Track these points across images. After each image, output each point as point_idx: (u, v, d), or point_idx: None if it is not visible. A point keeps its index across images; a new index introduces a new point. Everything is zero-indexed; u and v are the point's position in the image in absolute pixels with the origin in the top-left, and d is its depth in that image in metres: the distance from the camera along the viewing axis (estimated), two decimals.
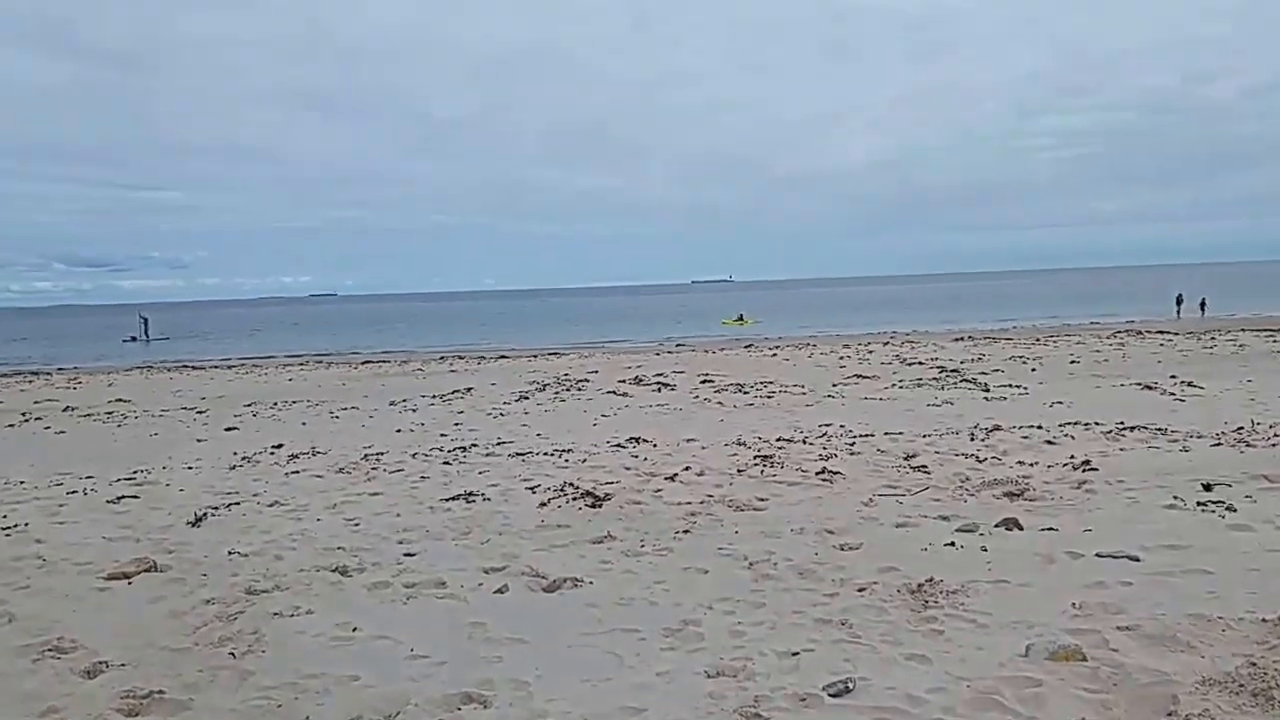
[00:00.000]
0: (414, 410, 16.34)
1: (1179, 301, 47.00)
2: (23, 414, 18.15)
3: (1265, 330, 27.80)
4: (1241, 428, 10.38)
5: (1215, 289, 48.55)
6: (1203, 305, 46.17)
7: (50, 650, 5.04)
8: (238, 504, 8.72)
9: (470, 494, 8.66)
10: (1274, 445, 9.30)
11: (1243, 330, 28.65)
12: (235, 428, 14.92)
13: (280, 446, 12.34)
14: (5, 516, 8.41)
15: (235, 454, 11.89)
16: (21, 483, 10.25)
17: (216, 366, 33.02)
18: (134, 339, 59.85)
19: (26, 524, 8.08)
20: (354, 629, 5.28)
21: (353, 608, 5.67)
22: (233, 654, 4.94)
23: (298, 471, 10.42)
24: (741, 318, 58.14)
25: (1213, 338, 25.70)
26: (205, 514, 8.24)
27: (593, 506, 8.03)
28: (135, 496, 9.19)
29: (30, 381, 27.72)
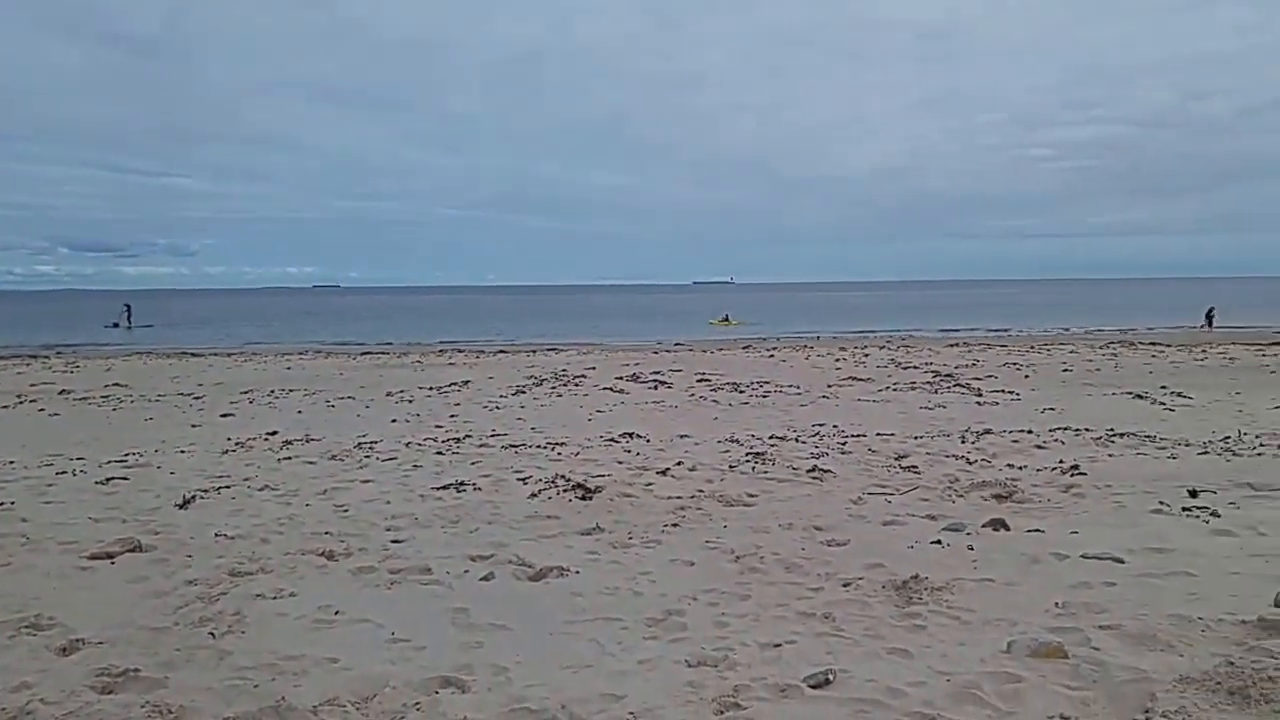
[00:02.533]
0: (410, 401, 16.32)
1: (1208, 316, 43.84)
2: (18, 396, 18.03)
3: (1255, 345, 27.71)
4: (1228, 437, 10.39)
5: (1214, 303, 47.26)
6: (1208, 315, 43.83)
7: (27, 627, 5.02)
8: (228, 488, 8.72)
9: (461, 483, 8.66)
10: (1259, 455, 9.32)
11: (1233, 344, 28.59)
12: (231, 414, 14.91)
13: (275, 433, 12.35)
14: None
15: (229, 439, 11.89)
16: (11, 463, 10.19)
17: (216, 354, 32.96)
18: (116, 325, 58.88)
19: (13, 503, 8.06)
20: (336, 612, 5.27)
21: (336, 592, 5.66)
22: (212, 634, 4.93)
23: (290, 458, 10.43)
24: (727, 318, 58.83)
25: (1204, 350, 25.65)
26: (194, 496, 8.23)
27: (583, 499, 8.02)
28: (125, 478, 9.19)
29: (27, 364, 27.38)
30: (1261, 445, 9.84)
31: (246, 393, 18.19)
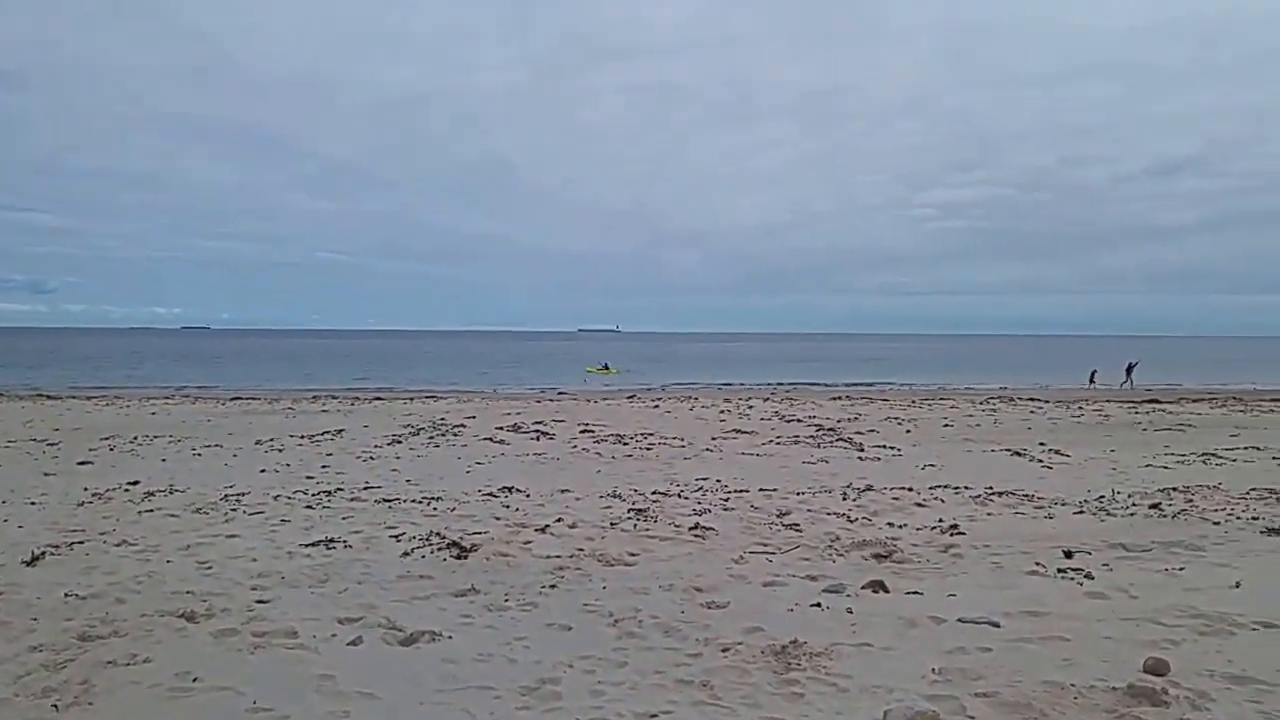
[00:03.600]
0: (280, 450, 15.74)
1: (1129, 370, 42.36)
2: None
3: (1129, 403, 29.02)
4: (1103, 496, 10.78)
5: (1094, 364, 48.73)
6: (1128, 369, 42.53)
7: None
8: (82, 543, 8.24)
9: (331, 540, 8.36)
10: (1132, 515, 9.67)
11: (1108, 401, 29.89)
12: (89, 462, 14.14)
13: (136, 483, 11.73)
14: None
15: (86, 489, 11.25)
16: None
17: (75, 396, 31.39)
18: None
19: None
20: (194, 679, 4.97)
21: (195, 656, 5.34)
22: (55, 706, 4.59)
23: (152, 510, 9.92)
24: (606, 366, 59.75)
25: (1080, 407, 26.70)
26: (44, 552, 7.74)
27: (458, 558, 7.82)
28: None
29: None
30: (1134, 505, 10.21)
31: (107, 439, 17.30)
